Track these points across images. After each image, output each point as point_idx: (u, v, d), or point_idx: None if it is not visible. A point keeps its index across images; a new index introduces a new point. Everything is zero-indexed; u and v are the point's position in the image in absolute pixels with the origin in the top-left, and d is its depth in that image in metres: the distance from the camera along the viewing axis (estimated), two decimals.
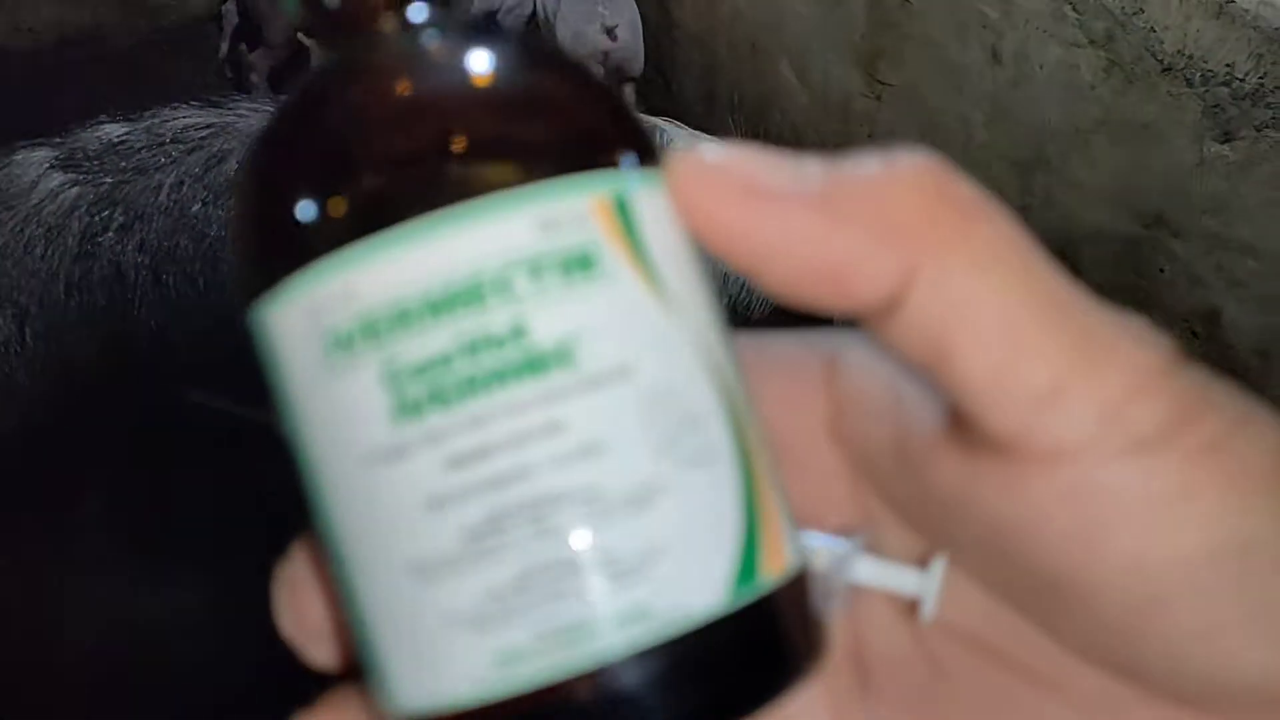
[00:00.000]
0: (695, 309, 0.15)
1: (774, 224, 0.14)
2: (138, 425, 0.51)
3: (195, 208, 0.55)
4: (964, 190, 0.15)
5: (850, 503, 0.18)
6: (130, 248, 0.52)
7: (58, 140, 0.57)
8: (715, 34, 1.35)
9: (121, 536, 0.52)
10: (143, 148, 0.58)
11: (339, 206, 0.14)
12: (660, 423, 0.14)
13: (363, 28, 0.15)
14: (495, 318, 0.14)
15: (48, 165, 0.55)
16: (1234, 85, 0.81)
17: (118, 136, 0.58)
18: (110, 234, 0.53)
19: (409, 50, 0.15)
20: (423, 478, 0.14)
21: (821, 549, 0.17)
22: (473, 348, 0.14)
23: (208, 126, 0.59)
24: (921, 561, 0.18)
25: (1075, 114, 0.90)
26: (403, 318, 0.14)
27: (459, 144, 0.14)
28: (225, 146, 0.57)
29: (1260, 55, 0.80)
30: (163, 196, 0.54)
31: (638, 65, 1.49)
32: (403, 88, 0.15)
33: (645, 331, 0.14)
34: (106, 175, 0.55)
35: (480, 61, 0.15)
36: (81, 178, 0.55)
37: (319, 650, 0.17)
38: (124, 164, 0.56)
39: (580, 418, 0.14)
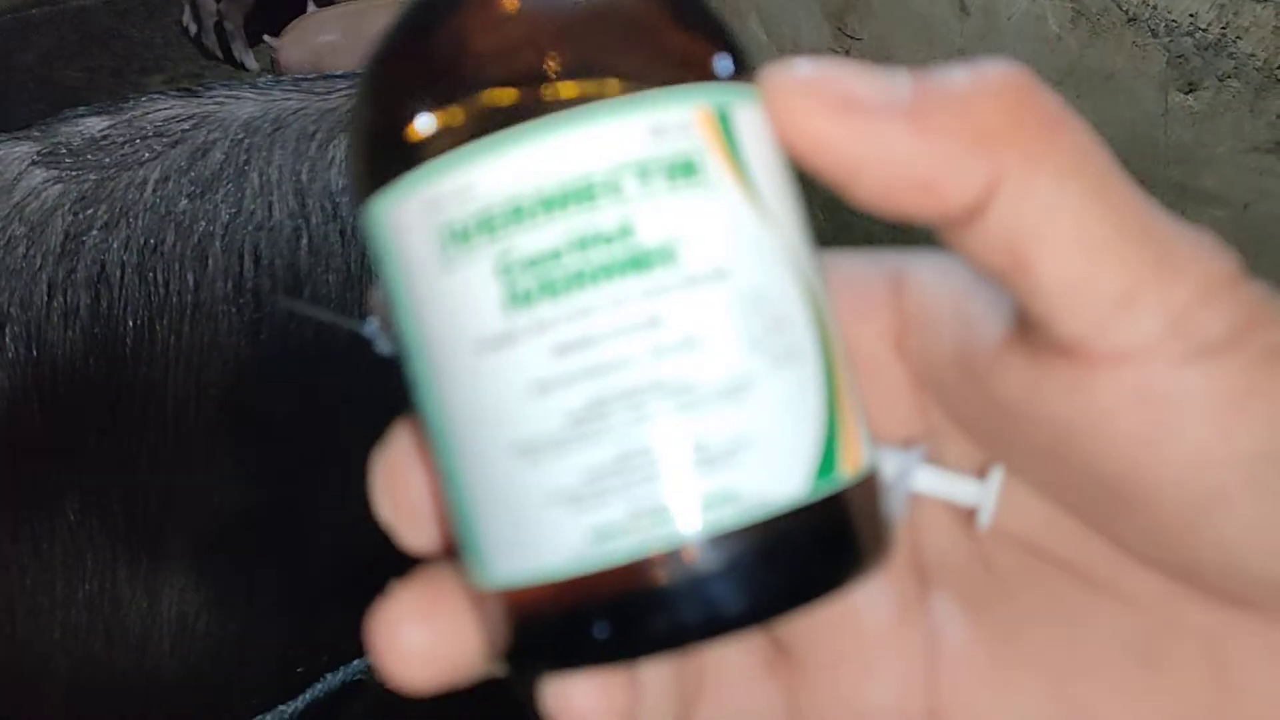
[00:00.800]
0: (787, 220, 0.16)
1: (866, 136, 0.15)
2: (119, 426, 0.52)
3: (181, 203, 0.55)
4: (1049, 101, 0.15)
5: (914, 416, 0.19)
6: (115, 246, 0.52)
7: (38, 134, 0.56)
8: None
9: (101, 538, 0.52)
10: (125, 142, 0.58)
11: (461, 107, 0.15)
12: (752, 322, 0.15)
13: None
14: (604, 216, 0.15)
15: (29, 162, 0.56)
16: (1197, 35, 0.82)
17: (100, 131, 0.58)
18: (94, 232, 0.53)
19: None
20: (530, 364, 0.15)
21: (885, 458, 0.18)
22: (582, 243, 0.15)
23: (189, 118, 0.60)
24: (981, 472, 0.18)
25: (1042, 65, 0.90)
26: (517, 213, 0.15)
27: (578, 51, 0.15)
28: (209, 138, 0.58)
29: (1222, 5, 0.81)
30: (148, 193, 0.54)
31: None
32: (522, 2, 0.16)
33: (742, 237, 0.15)
34: (89, 172, 0.56)
35: None
36: (64, 175, 0.55)
37: (418, 532, 0.17)
38: (106, 159, 0.57)
39: (679, 313, 0.15)
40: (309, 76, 0.72)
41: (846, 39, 1.13)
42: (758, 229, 0.16)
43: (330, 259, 0.57)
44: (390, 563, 0.18)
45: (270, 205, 0.57)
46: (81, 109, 0.59)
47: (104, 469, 0.53)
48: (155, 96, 0.61)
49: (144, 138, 0.59)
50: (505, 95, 0.15)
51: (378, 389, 0.52)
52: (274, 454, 0.57)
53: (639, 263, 0.15)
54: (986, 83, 0.15)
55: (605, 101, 0.15)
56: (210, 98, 0.62)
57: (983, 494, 0.18)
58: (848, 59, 0.16)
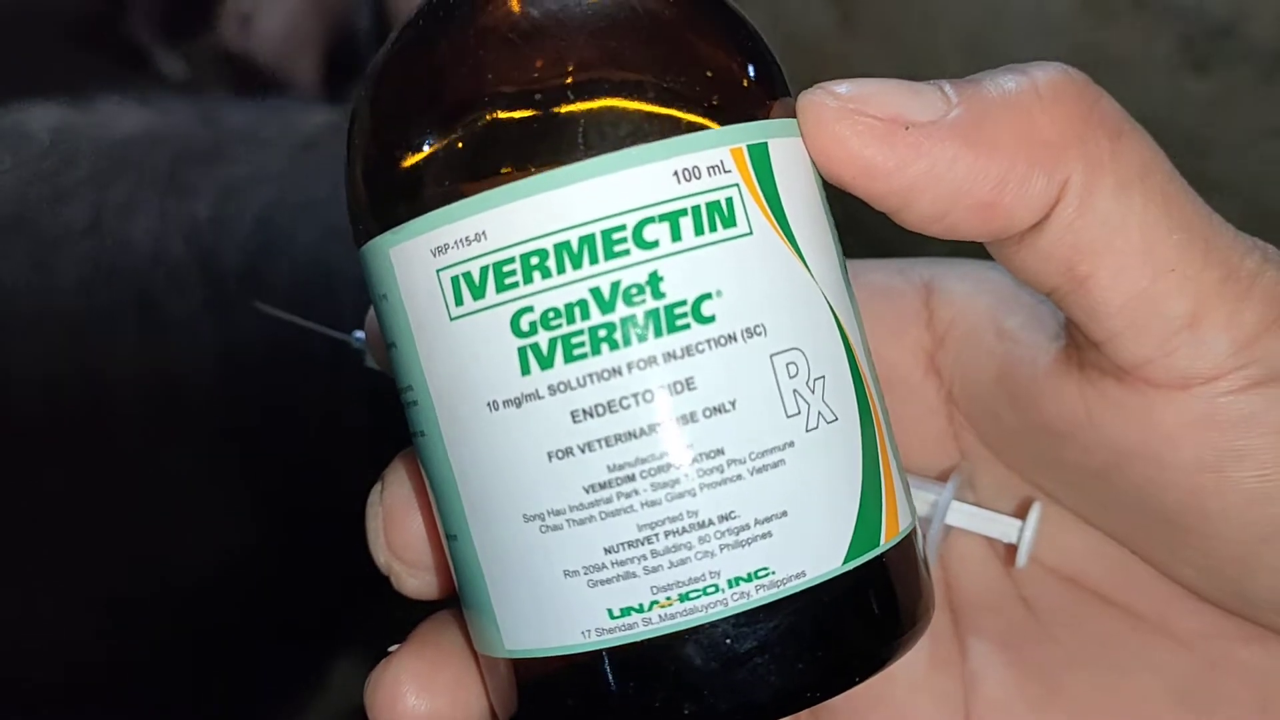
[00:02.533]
0: (826, 259, 0.15)
1: (919, 159, 0.14)
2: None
3: (38, 212, 0.54)
4: (1109, 106, 0.14)
5: (945, 439, 0.18)
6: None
7: None
8: None
9: None
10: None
11: (476, 149, 0.14)
12: (790, 382, 0.14)
13: None
14: (630, 268, 0.14)
15: None
16: (1205, 19, 0.81)
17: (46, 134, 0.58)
18: None
19: None
20: (548, 428, 0.14)
21: (918, 493, 0.17)
22: (605, 298, 0.14)
23: (66, 128, 0.59)
24: (1017, 500, 0.18)
25: (1049, 50, 0.89)
26: (535, 265, 0.14)
27: (601, 93, 0.14)
28: (78, 149, 0.58)
29: None
30: (1, 201, 0.54)
31: None
32: (544, 30, 0.14)
33: (780, 286, 0.14)
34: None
35: (620, 5, 0.14)
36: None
37: (417, 580, 0.17)
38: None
39: (711, 375, 0.14)
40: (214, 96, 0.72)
41: (851, 24, 1.11)
42: (796, 277, 0.14)
43: (186, 284, 0.56)
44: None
45: (127, 221, 0.56)
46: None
47: None
48: (30, 105, 0.60)
49: (10, 143, 0.57)
50: (521, 137, 0.14)
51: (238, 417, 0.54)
52: (127, 458, 0.54)
53: (669, 319, 0.14)
54: (1043, 89, 0.14)
55: (631, 146, 0.14)
56: (90, 109, 0.61)
57: (1021, 531, 0.17)
58: (881, 77, 0.15)
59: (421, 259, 0.14)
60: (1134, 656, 0.17)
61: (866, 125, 0.14)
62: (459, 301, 0.14)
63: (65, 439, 0.54)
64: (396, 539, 0.17)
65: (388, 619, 0.20)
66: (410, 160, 0.14)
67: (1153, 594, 0.17)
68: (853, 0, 1.11)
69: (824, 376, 0.14)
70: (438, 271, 0.14)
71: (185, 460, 0.56)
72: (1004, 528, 0.17)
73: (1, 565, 0.53)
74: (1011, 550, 0.17)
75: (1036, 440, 0.16)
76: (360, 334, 0.20)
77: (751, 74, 0.15)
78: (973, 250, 0.17)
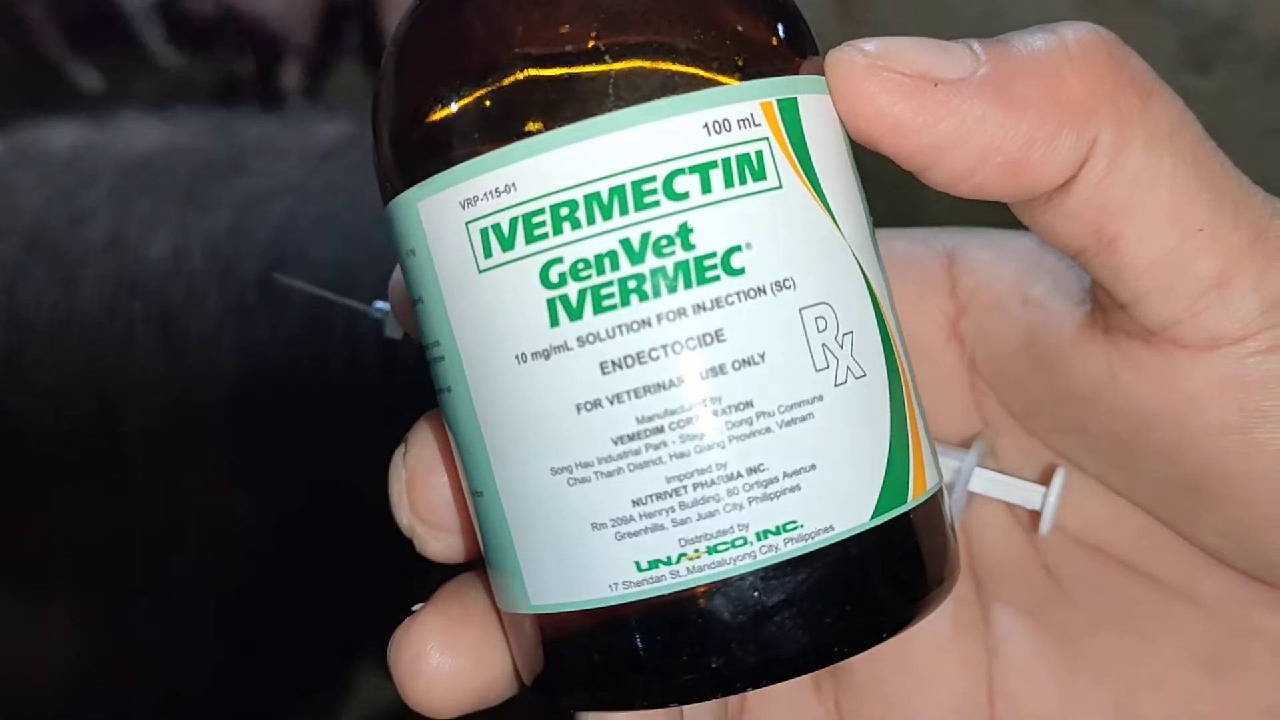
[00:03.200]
0: (854, 216, 0.15)
1: (947, 116, 0.14)
2: None
3: (59, 230, 0.55)
4: (1138, 66, 0.14)
5: (968, 406, 0.18)
6: None
7: None
8: None
9: None
10: (9, 165, 0.57)
11: (503, 99, 0.14)
12: (819, 337, 0.14)
13: None
14: (660, 220, 0.14)
15: None
16: (1208, 17, 0.81)
17: None
18: None
19: None
20: (576, 380, 0.14)
21: (942, 460, 0.17)
22: (635, 250, 0.14)
23: (87, 145, 0.59)
24: (1040, 468, 0.18)
25: None
26: (564, 217, 0.14)
27: (632, 45, 0.14)
28: (100, 166, 0.58)
29: None
30: (24, 218, 0.55)
31: None
32: None
33: (809, 241, 0.14)
34: None
35: None
36: None
37: (441, 541, 0.17)
38: None
39: (741, 327, 0.14)
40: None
41: (853, 21, 1.11)
42: (824, 232, 0.14)
43: (204, 298, 0.55)
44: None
45: (147, 237, 0.56)
46: None
47: None
48: (53, 121, 0.60)
49: (29, 162, 0.58)
50: (551, 88, 0.14)
51: (252, 421, 0.54)
52: (145, 477, 0.54)
53: (698, 271, 0.14)
54: (1072, 48, 0.14)
55: (662, 98, 0.14)
56: (111, 126, 0.61)
57: (1045, 498, 0.17)
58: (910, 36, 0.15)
59: (450, 212, 0.14)
60: (1157, 623, 0.17)
61: (895, 82, 0.14)
62: (488, 254, 0.14)
63: (84, 456, 0.54)
64: (420, 500, 0.17)
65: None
66: (439, 114, 0.14)
67: (1176, 560, 0.17)
68: None
69: (852, 332, 0.14)
70: (466, 224, 0.14)
71: (203, 474, 0.55)
72: (1027, 494, 0.17)
73: (15, 580, 0.53)
74: (1034, 517, 0.17)
75: (1061, 406, 0.16)
76: (380, 304, 0.20)
77: (781, 30, 0.15)
78: (996, 219, 0.18)
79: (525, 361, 0.14)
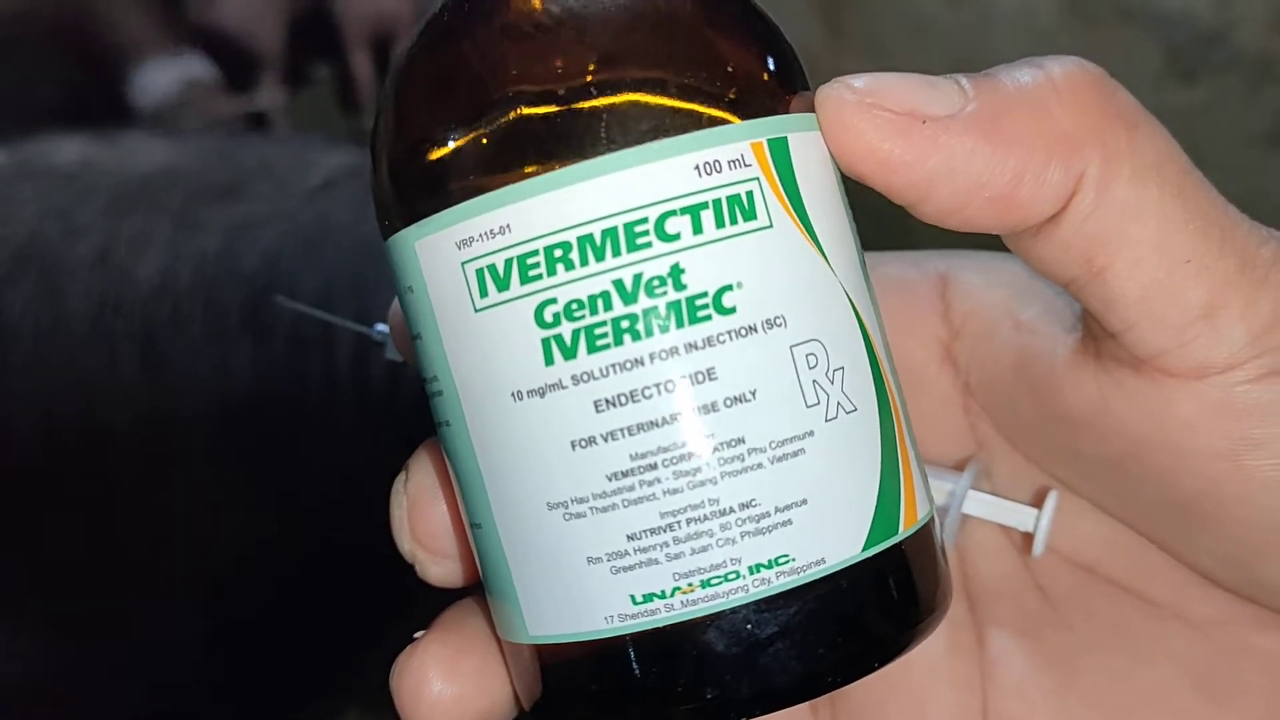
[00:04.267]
0: (845, 252, 0.15)
1: (936, 152, 0.14)
2: None
3: (51, 243, 0.55)
4: (1125, 99, 0.14)
5: (962, 429, 0.18)
6: None
7: None
8: None
9: None
10: (10, 177, 0.58)
11: (500, 143, 0.14)
12: (809, 373, 0.14)
13: None
14: (652, 261, 0.14)
15: None
16: (1192, 28, 0.82)
17: None
18: None
19: None
20: (571, 418, 0.14)
21: (935, 483, 0.17)
22: (628, 290, 0.14)
23: (86, 162, 0.59)
24: (1033, 490, 0.18)
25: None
26: (560, 258, 0.14)
27: (624, 87, 0.14)
28: (98, 184, 0.58)
29: None
30: (17, 230, 0.55)
31: None
32: (567, 26, 0.14)
33: (799, 278, 0.14)
34: None
35: (644, 3, 0.15)
36: None
37: (441, 568, 0.17)
38: None
39: (732, 366, 0.14)
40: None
41: (839, 36, 1.12)
42: (815, 269, 0.14)
43: (188, 320, 0.56)
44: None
45: (136, 257, 0.57)
46: None
47: None
48: (58, 136, 0.61)
49: (31, 176, 0.58)
50: (544, 131, 0.14)
51: (241, 439, 0.54)
52: (125, 491, 0.54)
53: (691, 311, 0.14)
54: (1059, 83, 0.14)
55: (653, 141, 0.14)
56: (115, 144, 0.61)
57: (1038, 519, 0.17)
58: (898, 71, 0.15)
59: (446, 252, 0.14)
60: (1150, 644, 0.17)
61: (884, 119, 0.14)
62: (483, 293, 0.14)
63: (61, 467, 0.53)
64: (420, 527, 0.17)
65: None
66: (435, 155, 0.15)
67: (1169, 582, 0.17)
68: (841, 13, 1.12)
69: (843, 368, 0.14)
70: (462, 264, 0.14)
71: (181, 489, 0.55)
72: (1021, 517, 0.17)
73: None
74: (1028, 539, 0.17)
75: (1053, 430, 0.17)
76: (382, 326, 0.20)
77: (771, 68, 0.15)
78: (986, 243, 0.18)
79: (521, 399, 0.14)
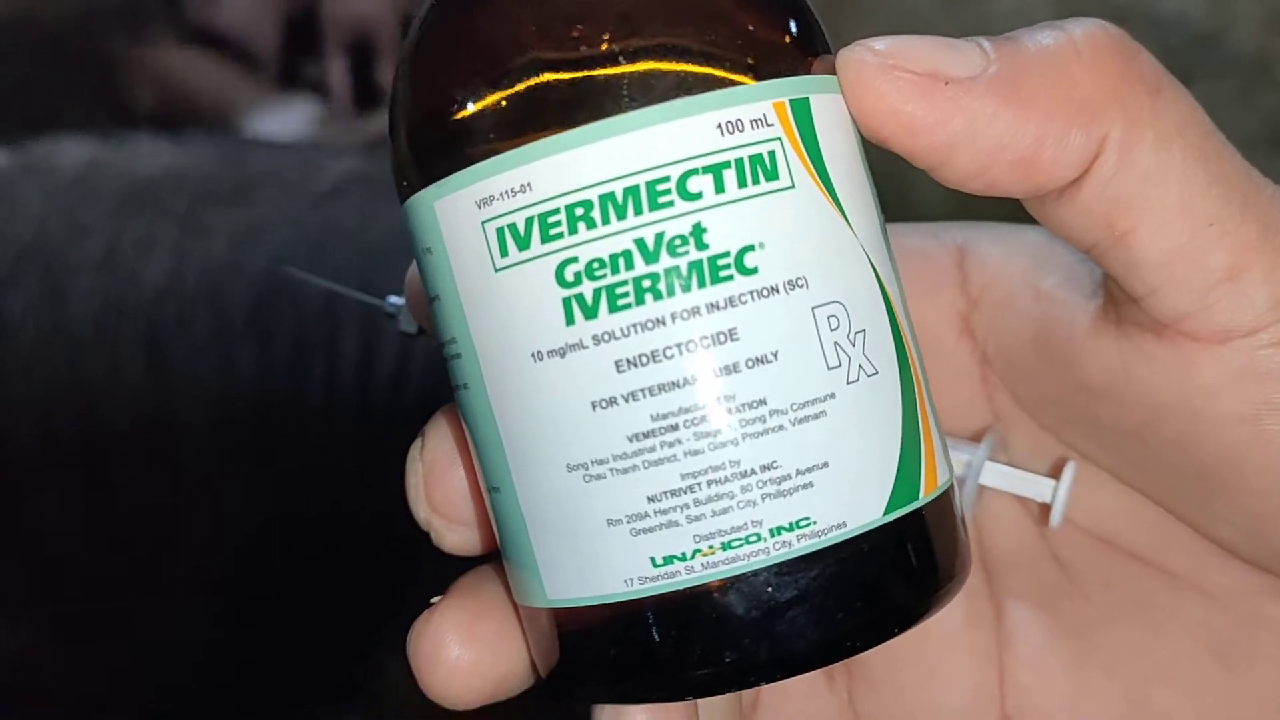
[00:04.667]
0: (866, 215, 0.15)
1: (958, 114, 0.14)
2: None
3: (56, 243, 0.56)
4: (1147, 61, 0.14)
5: (979, 400, 0.18)
6: None
7: None
8: None
9: None
10: (16, 178, 0.58)
11: (518, 100, 0.14)
12: (831, 335, 0.14)
13: None
14: (674, 219, 0.14)
15: None
16: (1188, 29, 0.82)
17: None
18: None
19: None
20: (591, 378, 0.14)
21: (953, 453, 0.17)
22: (649, 249, 0.14)
23: (92, 163, 0.60)
24: (1050, 461, 0.18)
25: None
26: (579, 216, 0.14)
27: (645, 46, 0.14)
28: (104, 186, 0.59)
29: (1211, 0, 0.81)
30: (21, 229, 0.56)
31: None
32: None
33: (821, 239, 0.14)
34: None
35: None
36: None
37: (457, 535, 0.17)
38: None
39: (754, 326, 0.14)
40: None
41: (835, 38, 1.13)
42: (837, 231, 0.14)
43: (191, 321, 0.56)
44: None
45: (141, 259, 0.57)
46: None
47: None
48: (66, 138, 0.61)
49: (37, 176, 0.58)
50: (565, 89, 0.14)
51: (241, 435, 0.54)
52: (126, 493, 0.54)
53: (712, 270, 0.14)
54: (1081, 45, 0.14)
55: (675, 99, 0.14)
56: (121, 146, 0.61)
57: (1055, 490, 0.17)
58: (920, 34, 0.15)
59: (466, 211, 0.14)
60: (1169, 614, 0.17)
61: (906, 80, 0.14)
62: (504, 253, 0.14)
63: (62, 469, 0.54)
64: (437, 494, 0.17)
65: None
66: (455, 114, 0.14)
67: (1187, 552, 0.17)
68: (836, 12, 1.13)
69: (864, 330, 0.14)
70: (482, 223, 0.14)
71: (182, 491, 0.55)
72: (1038, 487, 0.17)
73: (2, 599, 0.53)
74: (1045, 510, 0.17)
75: (1072, 399, 0.17)
76: (394, 299, 0.20)
77: (793, 30, 0.15)
78: (991, 212, 0.18)
79: (541, 360, 0.14)
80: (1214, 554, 0.17)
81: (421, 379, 0.56)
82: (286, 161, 0.64)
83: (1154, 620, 0.17)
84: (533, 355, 0.14)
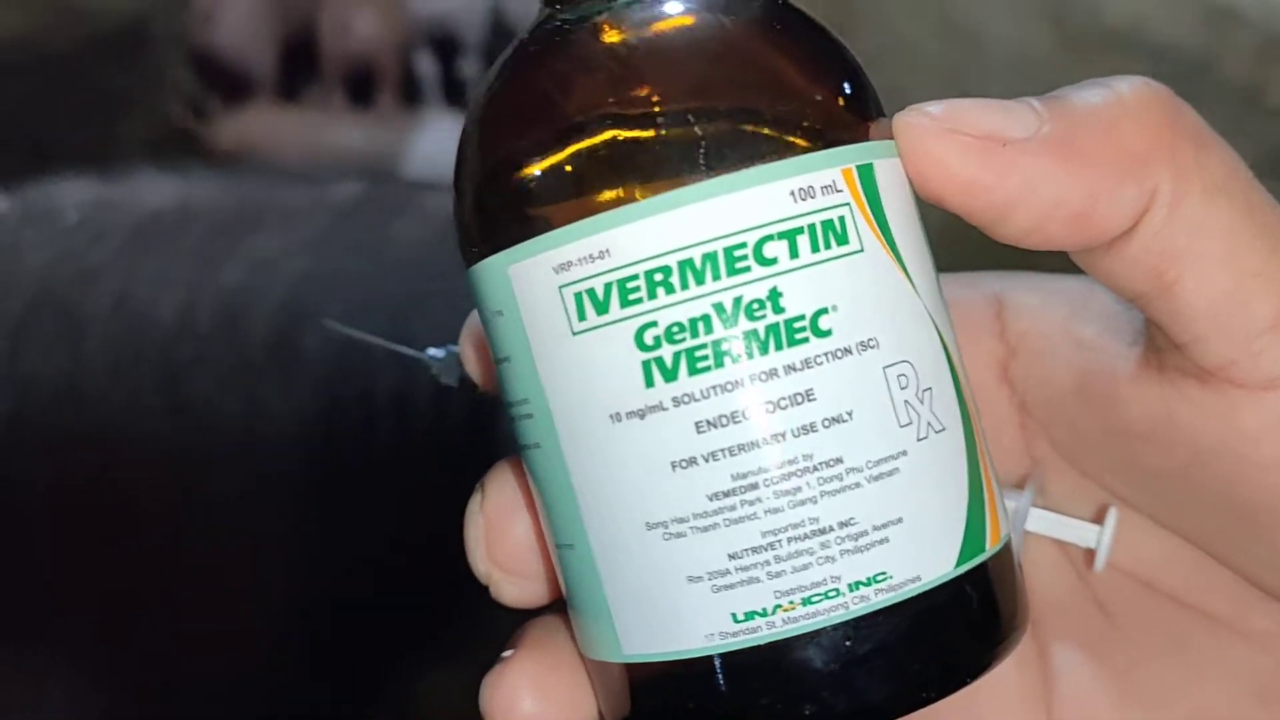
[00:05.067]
0: (927, 274, 0.15)
1: (1015, 174, 0.14)
2: None
3: (66, 289, 0.56)
4: (1193, 118, 0.15)
5: (1019, 447, 0.19)
6: None
7: None
8: None
9: None
10: (18, 223, 0.58)
11: (599, 169, 0.15)
12: (901, 394, 0.15)
13: None
14: (751, 284, 0.14)
15: None
16: (1181, 57, 0.83)
17: None
18: None
19: (663, 12, 0.15)
20: (672, 438, 0.14)
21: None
22: (728, 313, 0.14)
23: (95, 203, 0.59)
24: (1089, 506, 0.18)
25: (1027, 87, 0.91)
26: (659, 281, 0.14)
27: (721, 114, 0.14)
28: (109, 224, 0.58)
29: (1204, 28, 0.82)
30: (30, 277, 0.56)
31: None
32: (666, 53, 0.15)
33: (889, 302, 0.15)
34: None
35: (738, 29, 0.15)
36: None
37: (518, 588, 0.17)
38: None
39: (829, 386, 0.14)
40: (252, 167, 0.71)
41: None
42: (903, 292, 0.15)
43: (210, 358, 0.56)
44: None
45: (154, 298, 0.57)
46: None
47: None
48: (63, 179, 0.61)
49: (39, 219, 0.58)
50: (644, 157, 0.14)
51: (275, 481, 0.54)
52: (147, 544, 0.54)
53: (789, 333, 0.14)
54: (1130, 103, 0.15)
55: (751, 166, 0.14)
56: (124, 184, 0.61)
57: (1099, 535, 0.18)
58: (968, 97, 0.16)
59: (543, 276, 0.15)
60: (1210, 657, 0.17)
61: (963, 144, 0.14)
62: (582, 316, 0.15)
63: (84, 521, 0.53)
64: (499, 548, 0.17)
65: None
66: (531, 181, 0.15)
67: (1229, 596, 0.17)
68: None
69: (931, 388, 0.15)
70: (560, 288, 0.15)
71: (206, 540, 0.55)
72: (1082, 533, 0.18)
73: (12, 646, 0.53)
74: (1086, 554, 0.18)
75: (1114, 445, 0.17)
76: (435, 351, 0.21)
77: (856, 96, 0.16)
78: (1011, 262, 0.18)
79: (620, 421, 0.15)
80: (1255, 597, 0.17)
81: (462, 413, 0.55)
82: (287, 189, 0.65)
83: (1196, 662, 0.17)
84: (611, 416, 0.15)
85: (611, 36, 0.15)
